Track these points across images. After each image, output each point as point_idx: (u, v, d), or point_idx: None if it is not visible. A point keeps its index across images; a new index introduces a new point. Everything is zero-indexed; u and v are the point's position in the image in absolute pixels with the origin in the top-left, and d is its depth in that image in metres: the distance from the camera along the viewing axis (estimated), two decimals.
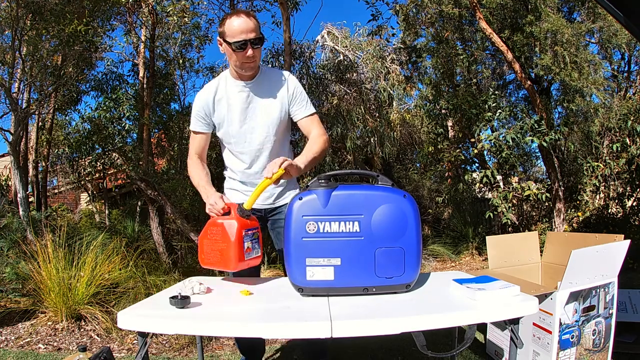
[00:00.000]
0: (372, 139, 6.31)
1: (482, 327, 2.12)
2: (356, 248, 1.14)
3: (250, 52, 1.45)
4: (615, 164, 4.20)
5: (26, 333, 2.46)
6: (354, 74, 6.54)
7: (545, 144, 4.04)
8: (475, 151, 4.51)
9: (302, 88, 1.61)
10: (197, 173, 1.60)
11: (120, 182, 6.30)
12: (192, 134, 1.65)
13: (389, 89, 6.07)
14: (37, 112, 4.66)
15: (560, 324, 1.57)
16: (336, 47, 6.79)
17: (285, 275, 1.24)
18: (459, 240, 5.24)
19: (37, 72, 3.93)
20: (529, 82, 4.52)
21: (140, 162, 4.51)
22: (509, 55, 4.39)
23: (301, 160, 1.42)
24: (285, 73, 1.61)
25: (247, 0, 5.21)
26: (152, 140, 5.41)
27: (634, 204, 4.52)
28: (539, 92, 4.95)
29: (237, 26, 1.43)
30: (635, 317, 1.92)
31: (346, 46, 6.65)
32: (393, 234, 1.14)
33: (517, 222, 4.80)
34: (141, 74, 4.81)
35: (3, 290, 2.79)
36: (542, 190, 4.06)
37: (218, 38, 1.52)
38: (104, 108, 5.18)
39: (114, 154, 5.65)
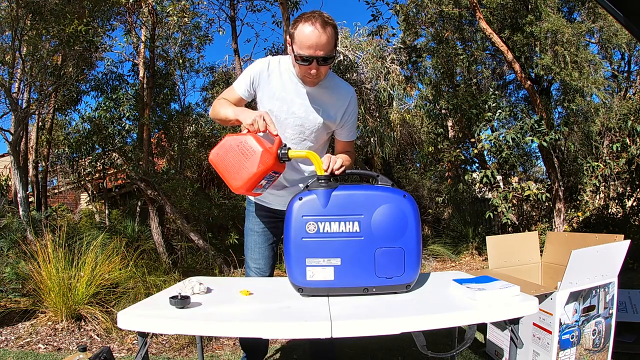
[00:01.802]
0: (372, 139, 6.32)
1: (482, 327, 2.12)
2: (356, 248, 1.14)
3: (314, 70, 1.31)
4: (615, 164, 4.20)
5: (26, 333, 2.46)
6: (354, 74, 6.55)
7: (545, 144, 4.04)
8: (475, 151, 4.51)
9: (357, 113, 1.54)
10: (227, 105, 1.44)
11: (120, 182, 6.30)
12: (230, 91, 1.51)
13: (389, 89, 6.08)
14: (37, 112, 4.66)
15: (560, 324, 1.57)
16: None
17: (286, 275, 1.24)
18: (459, 240, 5.24)
19: (37, 72, 3.94)
20: (529, 82, 4.52)
21: (140, 162, 4.52)
22: (509, 55, 4.39)
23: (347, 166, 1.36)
24: (350, 93, 1.49)
25: (248, 0, 5.21)
26: (152, 140, 5.42)
27: (634, 204, 4.52)
28: (539, 92, 4.95)
29: (307, 39, 1.26)
30: (635, 317, 1.92)
31: (346, 46, 6.66)
32: (393, 234, 1.14)
33: (517, 222, 4.80)
34: (141, 74, 4.81)
35: (3, 290, 2.79)
36: (542, 190, 4.06)
37: (287, 37, 1.39)
38: (104, 108, 5.18)
39: (114, 154, 5.65)
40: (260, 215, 1.65)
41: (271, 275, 1.68)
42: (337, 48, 1.32)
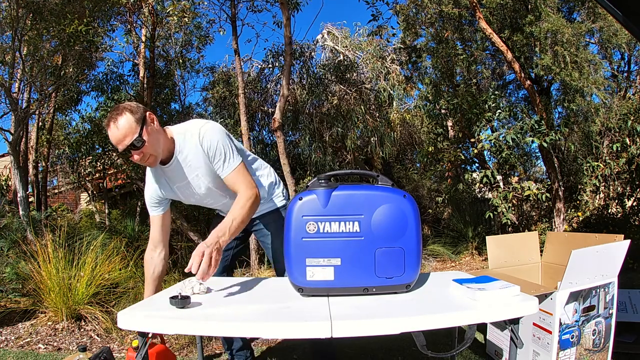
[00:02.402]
0: (372, 139, 6.32)
1: (482, 327, 2.12)
2: (356, 248, 1.14)
3: (135, 157, 1.36)
4: (615, 164, 4.20)
5: (26, 333, 2.46)
6: (354, 74, 6.55)
7: (545, 145, 4.04)
8: (475, 151, 4.51)
9: (218, 141, 1.43)
10: (146, 271, 1.61)
11: (120, 182, 6.31)
12: (151, 221, 1.61)
13: (389, 89, 6.08)
14: (37, 112, 4.67)
15: (560, 324, 1.57)
16: (336, 47, 6.80)
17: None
18: (459, 240, 5.24)
19: (37, 72, 3.94)
20: (528, 82, 4.52)
21: None
22: (509, 55, 4.39)
23: (224, 239, 1.29)
24: (195, 134, 1.44)
25: (248, 0, 5.21)
26: None
27: (634, 204, 4.52)
28: (539, 92, 4.95)
29: (112, 138, 1.35)
30: (635, 317, 1.92)
31: (346, 46, 6.67)
32: (393, 234, 1.14)
33: (517, 222, 4.79)
34: (141, 74, 4.82)
35: (3, 290, 2.79)
36: (542, 190, 4.06)
37: None
38: (105, 108, 5.18)
39: (114, 154, 5.65)
40: (220, 217, 1.72)
41: (221, 273, 1.75)
42: (144, 129, 1.35)
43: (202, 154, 1.44)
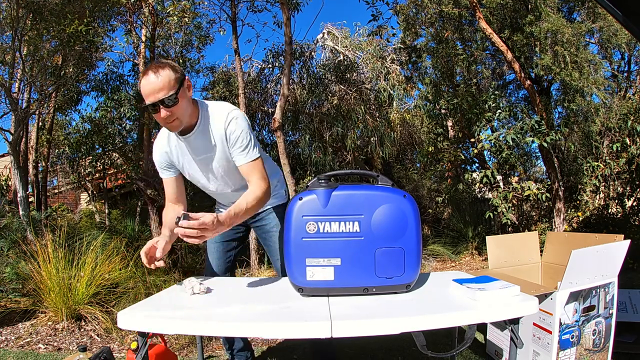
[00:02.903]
0: (372, 139, 6.32)
1: (482, 327, 2.12)
2: (356, 248, 1.14)
3: (163, 113, 1.31)
4: (615, 164, 4.20)
5: (26, 333, 2.46)
6: (354, 74, 6.55)
7: (545, 145, 4.04)
8: (475, 151, 4.51)
9: (242, 130, 1.42)
10: (164, 219, 1.54)
11: (120, 182, 6.31)
12: (163, 182, 1.59)
13: (389, 89, 6.08)
14: (37, 112, 4.67)
15: (560, 324, 1.57)
16: (336, 47, 6.80)
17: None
18: (459, 240, 5.24)
19: (37, 72, 3.94)
20: (528, 82, 4.52)
21: (140, 162, 4.52)
22: (509, 55, 4.39)
23: (223, 217, 1.25)
24: (224, 114, 1.42)
25: (248, 0, 5.21)
26: (152, 140, 5.41)
27: (634, 204, 4.52)
28: (539, 92, 4.95)
29: (144, 89, 1.30)
30: (635, 317, 1.92)
31: (346, 46, 6.66)
32: (393, 234, 1.14)
33: (517, 222, 4.79)
34: None
35: (3, 290, 2.79)
36: (542, 190, 4.06)
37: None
38: (105, 108, 5.19)
39: (114, 154, 5.66)
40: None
41: (229, 270, 1.75)
42: (181, 90, 1.33)
43: (224, 136, 1.43)
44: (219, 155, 1.46)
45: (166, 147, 1.51)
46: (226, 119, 1.42)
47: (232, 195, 1.60)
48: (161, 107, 1.30)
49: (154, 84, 1.29)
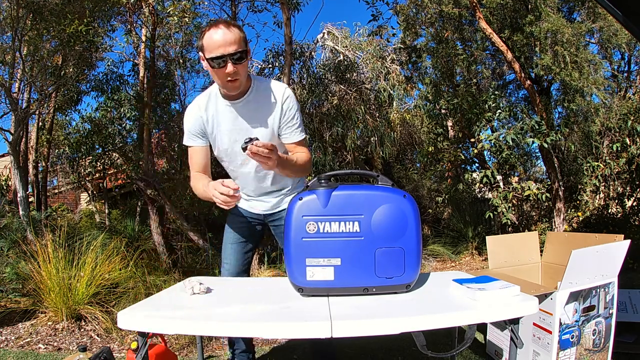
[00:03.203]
0: (372, 139, 6.32)
1: (482, 327, 2.12)
2: (356, 248, 1.14)
3: (230, 68, 1.29)
4: (615, 164, 4.20)
5: (26, 333, 2.46)
6: (354, 74, 6.54)
7: (545, 145, 4.04)
8: (475, 151, 4.51)
9: (297, 108, 1.46)
10: (199, 183, 1.46)
11: (120, 182, 6.31)
12: (189, 151, 1.52)
13: (389, 89, 6.08)
14: (37, 112, 4.67)
15: (560, 324, 1.57)
16: (336, 47, 6.79)
17: (286, 275, 1.24)
18: (459, 240, 5.24)
19: (37, 72, 3.94)
20: (528, 82, 4.52)
21: (141, 162, 4.52)
22: (509, 55, 4.39)
23: (284, 158, 1.31)
24: (281, 90, 1.44)
25: (248, 0, 5.21)
26: (152, 140, 5.42)
27: (634, 204, 4.52)
28: (539, 92, 4.95)
29: (215, 39, 1.27)
30: (635, 317, 1.92)
31: (346, 46, 6.66)
32: (393, 234, 1.14)
33: (517, 222, 4.79)
34: (141, 74, 4.82)
35: (3, 290, 2.79)
36: (542, 190, 4.06)
37: (199, 52, 1.37)
38: (105, 108, 5.19)
39: (114, 154, 5.66)
40: (238, 215, 1.68)
41: (245, 271, 1.71)
42: (251, 53, 1.34)
43: (278, 110, 1.42)
44: (263, 127, 1.44)
45: (202, 113, 1.46)
46: (284, 94, 1.43)
47: (253, 178, 1.56)
48: (229, 61, 1.28)
49: (227, 35, 1.27)
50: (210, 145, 1.53)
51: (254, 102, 1.43)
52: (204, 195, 1.43)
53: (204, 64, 1.35)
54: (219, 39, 1.27)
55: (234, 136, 1.46)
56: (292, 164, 1.38)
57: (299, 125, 1.47)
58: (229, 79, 1.32)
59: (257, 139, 1.20)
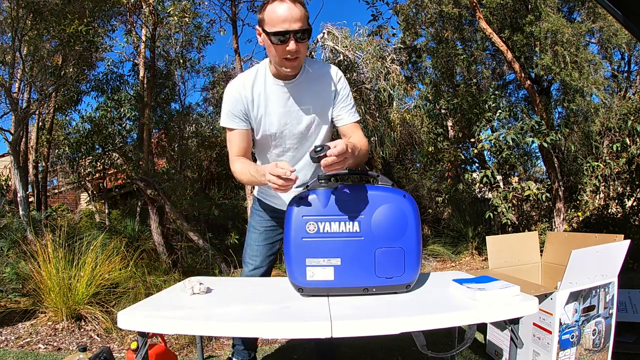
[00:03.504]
0: (372, 139, 6.32)
1: (482, 327, 2.12)
2: (356, 248, 1.14)
3: (292, 45, 1.22)
4: (615, 164, 4.20)
5: (26, 333, 2.46)
6: (354, 74, 6.54)
7: (545, 145, 4.04)
8: (475, 151, 4.51)
9: (350, 89, 1.43)
10: (245, 167, 1.35)
11: (120, 182, 6.31)
12: (228, 134, 1.41)
13: (389, 89, 6.08)
14: (37, 112, 4.67)
15: (560, 324, 1.57)
16: (336, 47, 6.79)
17: (286, 275, 1.24)
18: (459, 240, 5.24)
19: (38, 72, 3.94)
20: (528, 82, 4.52)
21: (141, 162, 4.52)
22: (509, 55, 4.39)
23: (351, 144, 1.16)
24: (334, 71, 1.41)
25: (248, 0, 5.21)
26: (152, 140, 5.42)
27: (634, 204, 4.52)
28: (539, 92, 4.95)
29: (279, 13, 1.20)
30: (635, 317, 1.92)
31: (346, 46, 6.66)
32: (393, 234, 1.14)
33: (517, 222, 4.79)
34: (141, 74, 4.82)
35: (3, 290, 2.79)
36: (542, 190, 4.06)
37: (257, 26, 1.31)
38: (105, 108, 5.19)
39: (114, 154, 5.66)
40: (263, 213, 1.63)
41: (267, 273, 1.67)
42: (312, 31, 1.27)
43: (332, 90, 1.38)
44: (317, 110, 1.39)
45: (247, 93, 1.36)
46: (337, 74, 1.40)
47: (303, 166, 1.49)
48: (292, 38, 1.22)
49: (293, 11, 1.21)
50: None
51: (306, 82, 1.36)
52: (251, 180, 1.34)
53: (260, 38, 1.29)
54: (283, 13, 1.21)
55: (284, 119, 1.38)
56: (356, 150, 1.24)
57: (353, 105, 1.42)
58: (288, 56, 1.25)
59: (328, 147, 1.07)
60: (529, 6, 4.52)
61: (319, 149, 1.08)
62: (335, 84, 1.39)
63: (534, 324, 1.67)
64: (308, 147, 1.43)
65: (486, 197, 5.60)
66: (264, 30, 1.25)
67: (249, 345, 1.81)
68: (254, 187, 1.66)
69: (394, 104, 6.52)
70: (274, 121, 1.39)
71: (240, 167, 1.38)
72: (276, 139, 1.43)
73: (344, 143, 1.08)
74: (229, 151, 1.43)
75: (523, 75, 4.46)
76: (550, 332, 1.59)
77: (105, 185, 6.41)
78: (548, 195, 4.15)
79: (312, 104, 1.39)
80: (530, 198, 4.19)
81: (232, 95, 1.37)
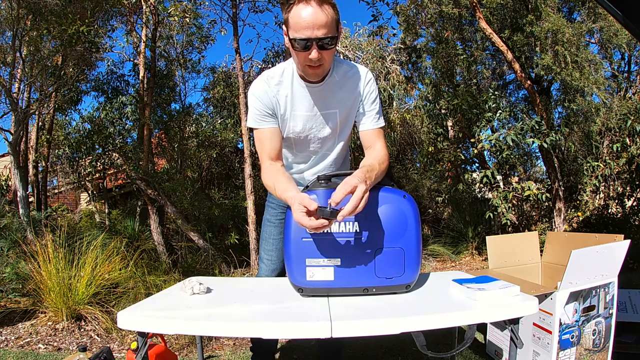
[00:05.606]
0: None
1: (482, 327, 2.12)
2: (356, 248, 1.14)
3: (314, 54, 1.14)
4: (615, 164, 4.20)
5: (26, 333, 2.46)
6: None
7: (545, 145, 4.04)
8: (475, 151, 4.51)
9: (377, 94, 1.35)
10: (277, 180, 1.24)
11: (121, 182, 6.31)
12: (257, 134, 1.33)
13: (389, 89, 6.08)
14: (37, 112, 4.67)
15: (560, 324, 1.57)
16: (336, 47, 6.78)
17: (286, 275, 1.24)
18: (459, 240, 5.24)
19: (38, 73, 3.94)
20: (529, 82, 4.52)
21: (141, 162, 4.52)
22: (509, 55, 4.39)
23: (363, 177, 1.09)
24: (363, 72, 1.34)
25: (249, 0, 5.21)
26: (152, 140, 5.42)
27: (634, 204, 4.52)
28: (539, 92, 4.95)
29: (303, 18, 1.11)
30: (635, 317, 1.92)
31: (346, 46, 6.66)
32: (393, 234, 1.14)
33: (517, 222, 4.80)
34: (142, 74, 4.82)
35: (3, 290, 2.79)
36: (542, 190, 4.06)
37: (283, 25, 1.22)
38: (106, 108, 5.20)
39: (114, 154, 5.66)
40: (278, 207, 1.60)
41: (282, 273, 1.62)
42: (340, 33, 1.19)
43: (360, 94, 1.32)
44: (340, 114, 1.34)
45: (275, 92, 1.30)
46: (366, 77, 1.33)
47: (307, 168, 1.47)
48: (315, 46, 1.13)
49: (318, 16, 1.10)
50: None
51: (332, 85, 1.30)
52: (278, 196, 1.24)
53: (286, 39, 1.20)
54: (307, 18, 1.11)
55: (310, 123, 1.34)
56: (375, 177, 1.18)
57: (379, 111, 1.35)
58: (310, 64, 1.18)
59: (337, 210, 1.02)
60: (529, 6, 4.52)
61: (329, 210, 1.03)
62: (364, 86, 1.33)
63: (534, 324, 1.67)
64: (330, 148, 1.42)
65: (486, 197, 5.60)
66: (288, 34, 1.17)
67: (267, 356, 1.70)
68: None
69: (394, 104, 6.52)
70: (298, 123, 1.35)
71: (271, 179, 1.28)
72: (300, 140, 1.39)
73: (355, 181, 1.02)
74: (259, 154, 1.34)
75: (523, 75, 4.47)
76: (550, 332, 1.59)
77: (105, 185, 6.41)
78: (548, 195, 4.15)
79: (338, 108, 1.34)
80: (530, 198, 4.19)
81: (259, 93, 1.31)
